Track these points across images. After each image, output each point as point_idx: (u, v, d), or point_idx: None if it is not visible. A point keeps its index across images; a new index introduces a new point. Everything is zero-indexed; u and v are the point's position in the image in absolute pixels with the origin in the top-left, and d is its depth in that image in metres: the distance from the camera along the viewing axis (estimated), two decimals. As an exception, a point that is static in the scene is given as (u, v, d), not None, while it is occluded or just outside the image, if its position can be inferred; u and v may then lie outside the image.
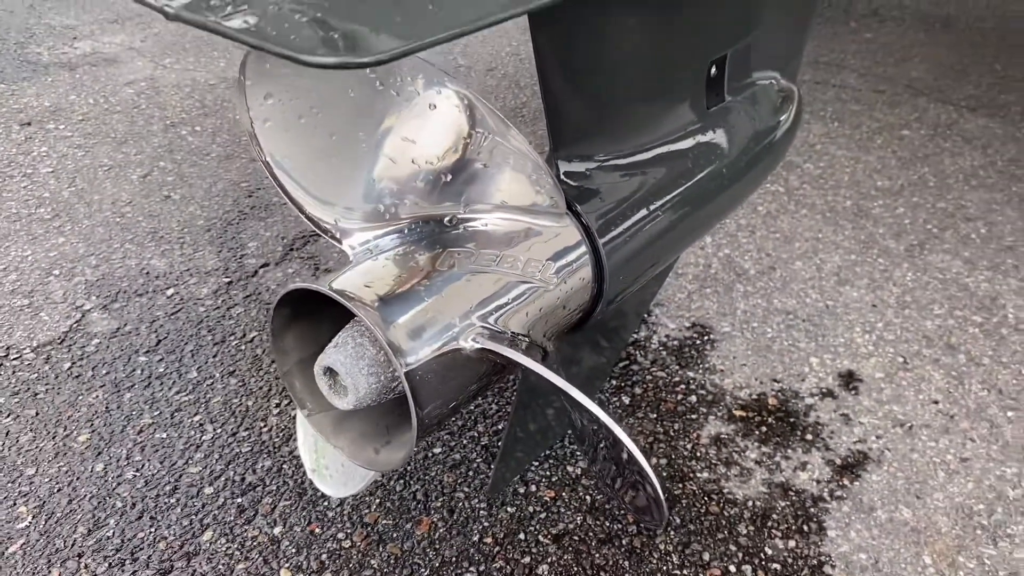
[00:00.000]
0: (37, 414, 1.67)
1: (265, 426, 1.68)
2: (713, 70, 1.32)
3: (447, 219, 1.09)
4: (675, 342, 1.97)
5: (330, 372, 1.00)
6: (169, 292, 2.04)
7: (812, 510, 1.55)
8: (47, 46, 3.46)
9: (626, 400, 1.79)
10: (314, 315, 1.06)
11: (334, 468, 1.27)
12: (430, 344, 0.97)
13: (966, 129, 3.19)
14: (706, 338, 1.99)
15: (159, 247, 2.20)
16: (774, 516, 1.53)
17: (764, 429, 1.73)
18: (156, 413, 1.69)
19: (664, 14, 1.06)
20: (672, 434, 1.71)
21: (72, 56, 3.38)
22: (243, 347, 1.88)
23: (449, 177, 1.07)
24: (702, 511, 1.54)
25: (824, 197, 2.65)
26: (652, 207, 1.24)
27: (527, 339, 1.07)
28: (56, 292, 2.02)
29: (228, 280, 2.09)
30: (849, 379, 1.88)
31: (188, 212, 2.36)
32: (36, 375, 1.77)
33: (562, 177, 1.17)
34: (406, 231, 1.09)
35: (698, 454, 1.66)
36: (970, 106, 3.41)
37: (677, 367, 1.89)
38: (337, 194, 1.07)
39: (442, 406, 1.01)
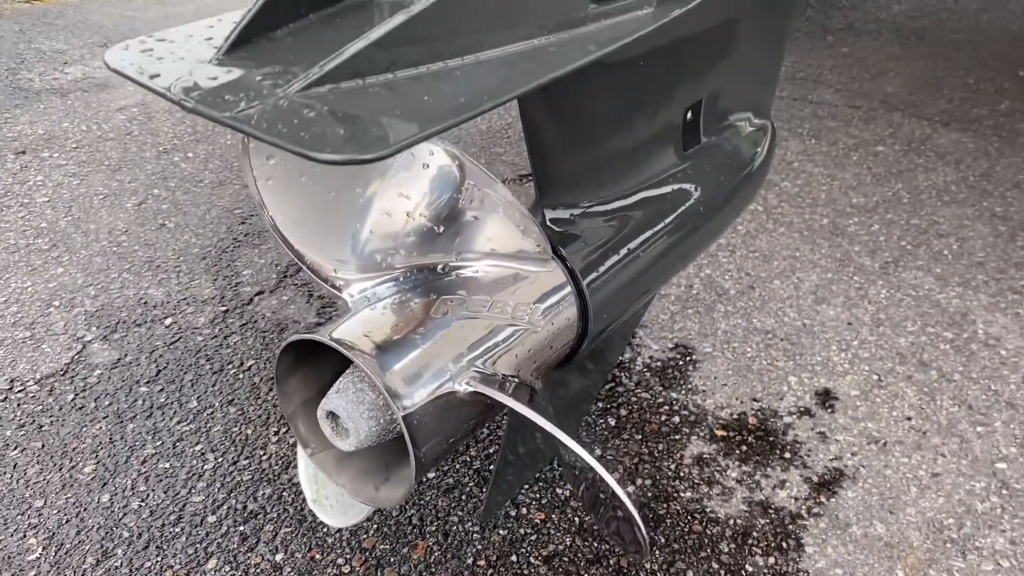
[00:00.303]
0: (43, 446, 1.73)
1: (264, 454, 1.74)
2: (689, 115, 1.39)
3: (440, 267, 1.16)
4: (658, 363, 2.05)
5: (332, 416, 1.06)
6: (167, 322, 2.10)
7: (791, 527, 1.63)
8: (38, 72, 3.51)
9: (612, 422, 1.86)
10: (316, 358, 1.12)
11: (334, 499, 1.34)
12: (426, 388, 1.03)
13: (939, 144, 3.29)
14: (688, 359, 2.07)
15: (156, 276, 2.26)
16: (754, 534, 1.61)
17: (744, 448, 1.81)
18: (159, 443, 1.75)
19: (641, 75, 1.13)
20: (656, 455, 1.78)
21: (63, 82, 3.43)
22: (241, 375, 1.94)
23: (441, 228, 1.14)
24: (686, 530, 1.61)
25: (802, 215, 2.73)
26: (633, 247, 1.32)
27: (516, 380, 1.13)
28: (57, 323, 2.07)
29: (224, 308, 2.15)
30: (826, 397, 1.96)
31: (183, 240, 2.41)
32: (41, 407, 1.83)
33: (548, 223, 1.24)
34: (401, 279, 1.15)
35: (681, 474, 1.73)
36: (943, 120, 3.51)
37: (661, 388, 1.96)
38: (336, 247, 1.14)
39: (439, 445, 1.08)
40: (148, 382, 1.91)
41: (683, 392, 1.96)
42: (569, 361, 1.30)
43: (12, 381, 1.89)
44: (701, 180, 1.46)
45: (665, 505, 1.66)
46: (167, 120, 3.14)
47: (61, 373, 1.92)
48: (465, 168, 1.10)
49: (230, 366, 1.96)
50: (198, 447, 1.75)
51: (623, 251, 1.30)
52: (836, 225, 2.69)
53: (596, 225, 1.27)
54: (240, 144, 1.13)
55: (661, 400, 1.93)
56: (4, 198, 2.58)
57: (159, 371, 1.94)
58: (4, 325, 2.05)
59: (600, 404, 1.91)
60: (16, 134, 2.97)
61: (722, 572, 1.53)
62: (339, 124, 0.71)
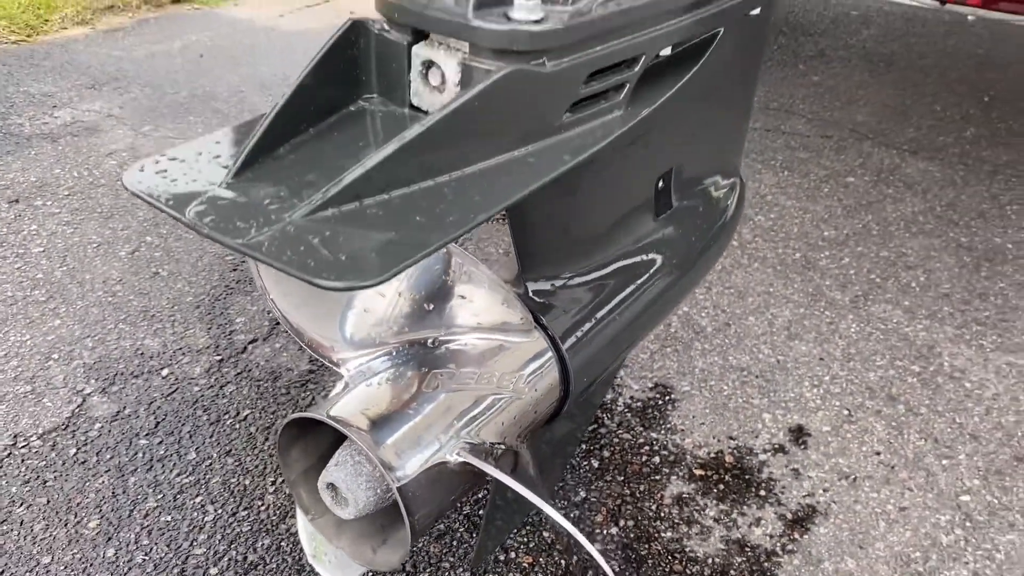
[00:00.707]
0: (48, 502, 1.79)
1: (263, 504, 1.81)
2: (660, 184, 1.48)
3: (430, 341, 1.24)
4: (639, 403, 2.13)
5: (332, 487, 1.14)
6: (164, 372, 2.16)
7: (766, 564, 1.71)
8: (28, 116, 3.56)
9: (595, 463, 1.95)
10: (316, 429, 1.20)
11: (332, 554, 1.41)
12: (418, 460, 1.12)
13: (907, 174, 3.40)
14: (667, 398, 2.16)
15: (151, 326, 2.33)
16: (732, 572, 1.69)
17: (722, 487, 1.89)
18: (160, 496, 1.82)
19: (614, 163, 1.22)
20: (638, 495, 1.86)
21: (53, 126, 3.49)
22: (237, 426, 2.01)
23: (431, 306, 1.22)
24: (667, 570, 1.69)
25: (775, 250, 2.83)
26: (609, 312, 1.40)
27: (503, 446, 1.22)
28: (57, 377, 2.13)
29: (219, 358, 2.22)
30: (799, 433, 2.05)
31: (177, 289, 2.48)
32: (44, 462, 1.89)
33: (530, 294, 1.32)
34: (395, 353, 1.23)
35: (662, 514, 1.82)
36: (911, 149, 3.63)
37: (641, 428, 2.05)
38: (333, 325, 1.22)
39: (433, 511, 1.16)
40: (148, 434, 1.97)
41: (663, 432, 2.04)
42: (552, 421, 1.38)
43: (15, 436, 1.95)
44: (674, 243, 1.55)
45: (647, 546, 1.74)
46: (157, 164, 3.21)
47: (63, 427, 1.99)
48: (452, 251, 1.19)
49: (227, 416, 2.03)
50: (198, 499, 1.82)
51: (600, 316, 1.39)
52: (808, 259, 2.79)
53: (575, 294, 1.36)
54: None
55: (642, 440, 2.02)
56: (0, 248, 2.64)
57: (158, 423, 2.01)
58: (5, 380, 2.11)
59: (584, 446, 1.99)
60: (9, 182, 3.02)
61: (701, 611, 1.61)
62: (341, 250, 0.79)
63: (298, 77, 0.96)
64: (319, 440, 1.23)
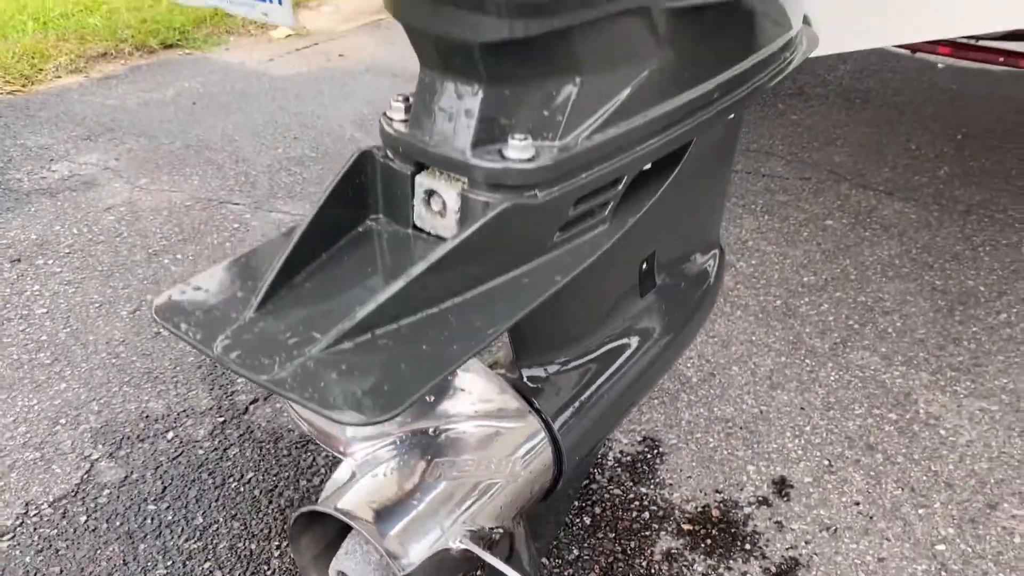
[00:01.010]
0: (61, 572, 1.86)
1: (268, 568, 1.88)
2: (644, 265, 1.58)
3: (432, 430, 1.33)
4: (628, 457, 2.22)
5: (342, 575, 1.22)
6: (169, 436, 2.24)
7: (751, 619, 1.80)
8: (26, 171, 3.64)
9: (587, 520, 2.03)
10: (325, 516, 1.28)
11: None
12: (422, 548, 1.20)
13: (884, 216, 3.52)
14: (656, 451, 2.24)
15: (155, 388, 2.40)
16: (719, 628, 1.78)
17: (709, 542, 1.98)
18: (169, 563, 1.89)
19: (601, 263, 1.31)
20: (629, 552, 1.95)
21: (51, 181, 3.56)
22: (242, 489, 2.08)
23: (432, 398, 1.31)
24: (657, 627, 1.78)
25: (756, 297, 2.94)
26: (600, 389, 1.49)
27: (501, 530, 1.30)
28: (64, 442, 2.20)
29: (222, 419, 2.30)
30: (782, 485, 2.15)
31: (178, 349, 2.56)
32: (56, 531, 1.96)
33: (525, 380, 1.41)
34: (399, 442, 1.32)
35: (652, 571, 1.90)
36: (887, 190, 3.75)
37: (631, 483, 2.14)
38: (340, 419, 1.30)
39: (437, 594, 1.24)
40: (155, 500, 2.05)
41: (652, 487, 2.13)
42: (546, 499, 1.47)
43: (27, 505, 2.02)
44: (659, 319, 1.64)
45: (638, 603, 1.83)
46: (154, 219, 3.29)
47: (72, 494, 2.05)
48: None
49: (231, 479, 2.11)
50: (207, 564, 1.89)
51: (590, 395, 1.47)
52: (788, 306, 2.89)
53: (567, 376, 1.44)
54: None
55: (632, 496, 2.10)
56: (4, 310, 2.71)
57: (165, 488, 2.08)
58: (15, 446, 2.18)
59: (576, 503, 2.07)
60: (10, 240, 3.09)
61: (691, 668, 1.69)
62: (357, 384, 0.88)
63: (314, 207, 1.05)
64: (327, 527, 1.32)
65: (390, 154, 1.11)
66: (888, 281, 3.05)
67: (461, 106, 1.03)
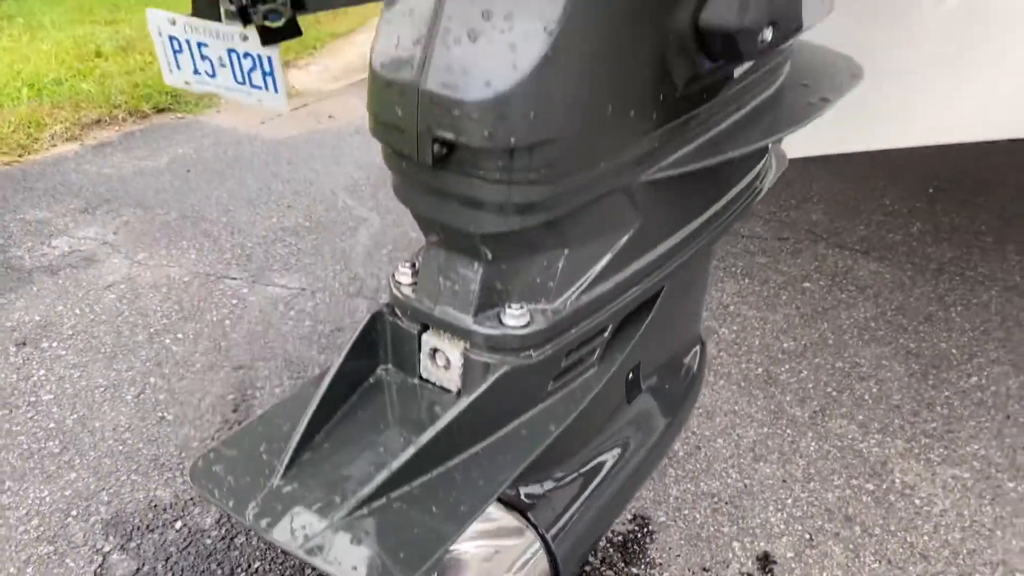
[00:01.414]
0: (80, 669, 1.94)
1: (279, 660, 1.97)
2: (630, 375, 1.69)
3: (435, 551, 1.43)
4: (619, 537, 2.32)
5: None
6: (178, 525, 2.32)
7: None
8: (26, 247, 3.73)
9: (582, 603, 2.13)
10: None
11: None
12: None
13: (859, 276, 3.66)
14: (646, 530, 2.35)
15: (162, 475, 2.49)
16: None
17: (697, 622, 2.09)
18: (184, 658, 1.97)
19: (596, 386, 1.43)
20: (622, 634, 2.05)
21: (52, 257, 3.66)
22: (250, 579, 2.17)
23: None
24: None
25: (738, 365, 3.06)
26: (594, 497, 1.60)
27: (503, 644, 1.40)
28: (77, 535, 2.28)
29: (228, 507, 2.39)
30: (765, 561, 2.25)
31: (183, 434, 2.65)
32: (72, 627, 2.04)
33: (522, 497, 1.52)
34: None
35: (645, 653, 2.00)
36: (862, 249, 3.89)
37: (623, 564, 2.24)
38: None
39: None
40: (167, 592, 2.13)
41: (643, 567, 2.23)
42: (544, 604, 1.57)
43: (43, 601, 2.10)
44: (647, 420, 1.76)
45: None
46: (154, 296, 3.38)
47: (87, 589, 2.14)
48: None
49: (239, 570, 2.20)
50: (219, 658, 1.97)
51: (584, 504, 1.58)
52: (769, 373, 3.01)
53: (561, 490, 1.55)
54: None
55: (624, 576, 2.20)
56: (12, 397, 2.80)
57: (176, 580, 2.17)
58: (29, 540, 2.26)
59: (571, 585, 2.17)
60: (15, 322, 3.18)
61: None
62: (378, 550, 0.98)
63: (332, 370, 1.16)
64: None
65: (399, 313, 1.22)
66: (864, 345, 3.18)
67: (463, 279, 1.15)
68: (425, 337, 1.20)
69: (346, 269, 3.67)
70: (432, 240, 1.18)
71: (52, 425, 2.68)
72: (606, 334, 1.29)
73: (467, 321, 1.13)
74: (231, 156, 4.86)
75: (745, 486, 2.50)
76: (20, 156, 4.66)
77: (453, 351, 1.17)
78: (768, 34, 1.10)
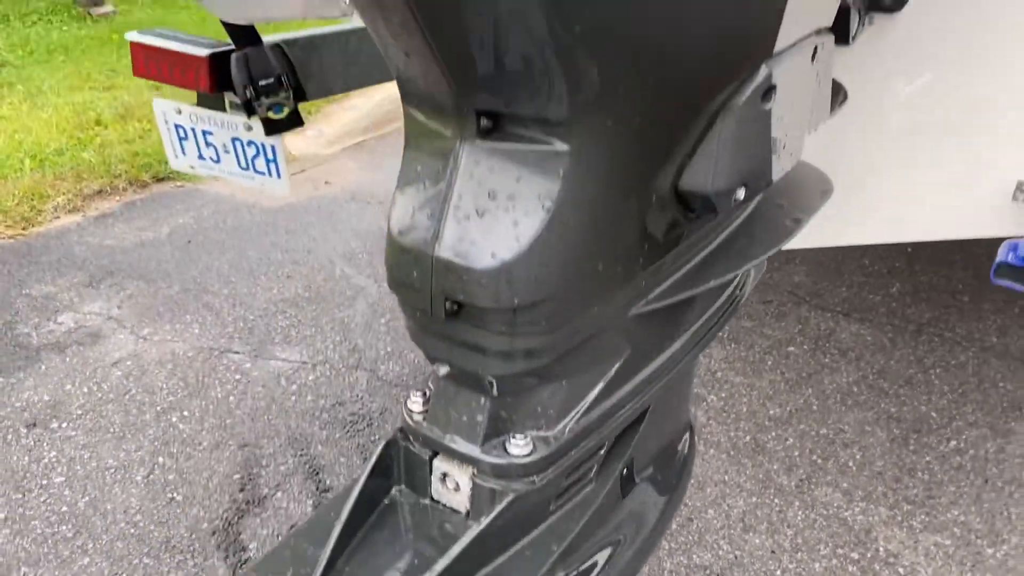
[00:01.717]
0: None
1: None
2: (624, 471, 1.81)
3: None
4: (617, 612, 2.42)
5: None
6: (190, 609, 2.41)
7: None
8: (33, 324, 3.83)
9: None
10: None
11: None
12: None
13: (842, 339, 3.79)
14: (641, 604, 2.44)
15: (173, 558, 2.58)
16: None
17: None
18: None
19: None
20: None
21: (58, 334, 3.76)
22: (262, 663, 2.25)
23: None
24: None
25: (727, 433, 3.17)
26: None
27: None
28: (93, 621, 2.37)
29: (239, 589, 2.48)
30: (757, 634, 2.35)
31: (192, 515, 2.74)
32: None
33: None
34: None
35: None
36: (844, 310, 4.03)
37: (620, 640, 2.33)
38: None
39: None
40: None
41: (639, 642, 2.32)
42: None
43: None
44: (642, 510, 1.87)
45: None
46: (160, 373, 3.48)
47: (104, 676, 2.21)
48: None
49: (251, 653, 2.28)
50: None
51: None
52: (757, 441, 3.13)
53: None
54: None
55: (621, 652, 2.29)
56: (24, 481, 2.88)
57: (190, 665, 2.25)
58: (46, 628, 2.35)
59: (571, 662, 2.26)
60: (24, 403, 3.28)
61: None
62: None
63: (352, 495, 1.27)
64: None
65: (411, 439, 1.34)
66: (848, 410, 3.30)
67: (470, 411, 1.27)
68: (436, 463, 1.31)
69: (345, 340, 3.78)
70: (442, 373, 1.30)
71: (64, 508, 2.77)
72: (602, 452, 1.41)
73: (475, 451, 1.25)
74: (231, 225, 4.99)
75: (736, 557, 2.61)
76: (24, 229, 4.78)
77: (462, 476, 1.29)
78: (741, 193, 1.24)
